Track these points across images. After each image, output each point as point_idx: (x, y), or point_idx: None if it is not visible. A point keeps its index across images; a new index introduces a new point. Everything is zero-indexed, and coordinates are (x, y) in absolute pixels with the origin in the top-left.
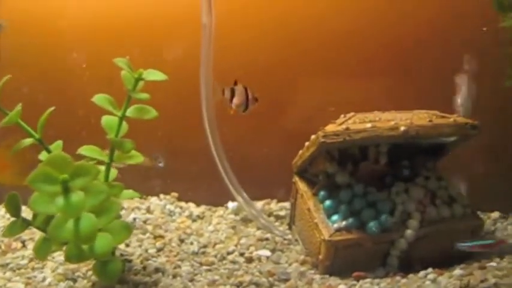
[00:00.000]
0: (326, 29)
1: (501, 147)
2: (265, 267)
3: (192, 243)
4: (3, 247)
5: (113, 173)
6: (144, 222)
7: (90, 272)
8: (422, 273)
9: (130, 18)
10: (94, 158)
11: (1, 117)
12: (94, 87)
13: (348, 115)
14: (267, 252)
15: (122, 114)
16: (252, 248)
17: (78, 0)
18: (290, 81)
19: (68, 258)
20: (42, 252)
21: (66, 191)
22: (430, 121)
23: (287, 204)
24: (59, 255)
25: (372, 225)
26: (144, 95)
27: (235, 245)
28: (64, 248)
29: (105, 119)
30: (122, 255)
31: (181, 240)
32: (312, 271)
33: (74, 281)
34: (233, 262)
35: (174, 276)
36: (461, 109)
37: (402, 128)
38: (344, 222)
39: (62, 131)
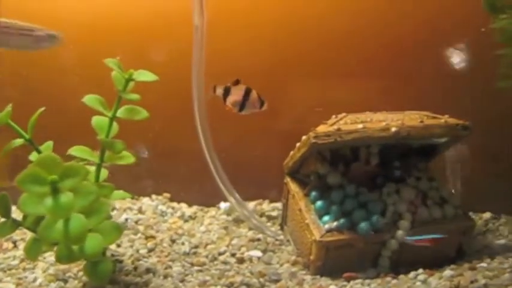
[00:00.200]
0: (320, 30)
1: (494, 148)
2: (256, 267)
3: (183, 244)
4: None
5: (104, 173)
6: (136, 222)
7: (81, 273)
8: (412, 274)
9: (123, 19)
10: (85, 158)
11: None
12: (86, 87)
13: (340, 116)
14: (259, 253)
15: (112, 115)
16: (243, 249)
17: (71, 0)
18: (282, 81)
19: (59, 259)
20: (32, 252)
21: (55, 191)
22: (422, 122)
23: (279, 205)
24: (50, 256)
25: (363, 226)
26: (135, 96)
27: (227, 246)
28: (55, 248)
29: (96, 120)
30: (113, 255)
31: (173, 241)
32: (303, 272)
33: (65, 281)
34: (224, 263)
35: (165, 277)
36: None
37: (393, 129)
38: (335, 223)
39: (54, 131)
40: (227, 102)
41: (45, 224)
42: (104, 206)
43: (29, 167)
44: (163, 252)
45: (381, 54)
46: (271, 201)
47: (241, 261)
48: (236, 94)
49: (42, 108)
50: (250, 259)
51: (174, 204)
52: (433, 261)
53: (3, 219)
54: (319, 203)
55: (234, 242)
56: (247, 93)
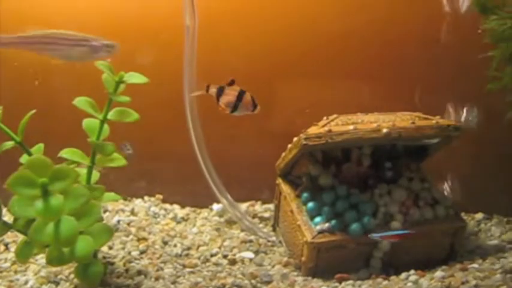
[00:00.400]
0: (313, 31)
1: (485, 148)
2: (248, 269)
3: (175, 246)
4: None
5: (95, 175)
6: (128, 224)
7: (72, 275)
8: (404, 274)
9: (115, 21)
10: (76, 161)
11: None
12: (79, 89)
13: (331, 117)
14: (250, 254)
15: (103, 117)
16: (235, 250)
17: (63, 1)
18: (274, 82)
19: (49, 261)
20: (23, 255)
21: (46, 194)
22: (413, 123)
23: (272, 206)
24: (42, 258)
25: (355, 227)
26: (125, 98)
27: (219, 247)
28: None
29: (87, 122)
30: (104, 257)
31: (165, 243)
32: (295, 273)
33: (57, 283)
34: (216, 264)
35: (157, 279)
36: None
37: (384, 130)
38: (327, 224)
39: (47, 133)
40: (220, 102)
41: (35, 227)
42: (95, 208)
43: (19, 170)
44: (155, 254)
45: (375, 55)
46: (264, 203)
47: (233, 262)
48: (230, 95)
49: (33, 111)
50: (242, 260)
51: (167, 205)
52: (425, 262)
53: None
54: (310, 204)
55: (226, 243)
56: (241, 94)
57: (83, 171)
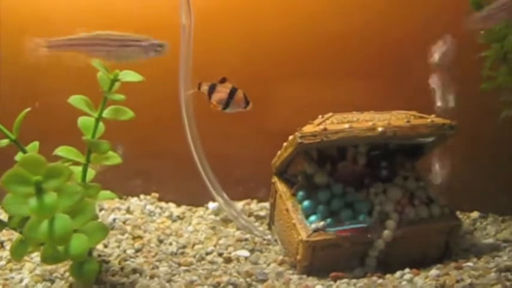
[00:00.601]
0: (311, 31)
1: (481, 147)
2: (243, 267)
3: (171, 244)
4: None
5: (90, 173)
6: (124, 222)
7: (67, 273)
8: (399, 273)
9: (109, 19)
10: (71, 159)
11: None
12: (76, 87)
13: (326, 116)
14: (246, 253)
15: (98, 115)
16: (230, 249)
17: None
18: (271, 80)
19: (44, 259)
20: (18, 253)
21: (40, 192)
22: (408, 122)
23: (267, 205)
24: (38, 256)
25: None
26: (120, 96)
27: (214, 246)
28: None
29: (82, 120)
30: (99, 255)
31: (160, 241)
32: (290, 271)
33: (52, 281)
34: (212, 262)
35: (152, 277)
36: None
37: (379, 129)
38: (322, 223)
39: (44, 131)
40: (212, 100)
41: (30, 225)
42: (89, 206)
43: (14, 168)
44: (150, 252)
45: (374, 55)
46: (260, 201)
47: (228, 261)
48: (221, 92)
49: (28, 109)
50: (238, 259)
51: (163, 204)
52: (420, 261)
53: None
54: (306, 202)
55: (222, 241)
56: (233, 92)
57: (79, 169)
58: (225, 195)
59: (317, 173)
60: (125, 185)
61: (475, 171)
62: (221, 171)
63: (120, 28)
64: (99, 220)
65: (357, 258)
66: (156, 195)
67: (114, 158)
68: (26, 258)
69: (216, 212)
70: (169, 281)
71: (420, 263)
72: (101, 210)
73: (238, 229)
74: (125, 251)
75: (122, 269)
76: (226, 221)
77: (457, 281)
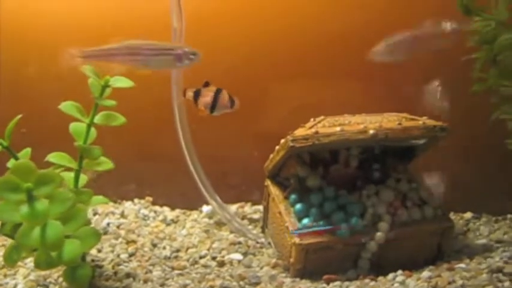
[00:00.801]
0: (303, 32)
1: (473, 148)
2: (236, 270)
3: (164, 248)
4: None
5: (83, 179)
6: (118, 227)
7: (61, 278)
8: (391, 275)
9: (101, 24)
10: (63, 165)
11: None
12: (69, 92)
13: (318, 119)
14: (239, 256)
15: (89, 121)
16: (224, 252)
17: (50, 4)
18: (264, 83)
19: (37, 265)
20: (11, 259)
21: (31, 199)
22: (400, 124)
23: (261, 208)
24: (32, 262)
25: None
26: (111, 102)
27: (208, 249)
28: None
29: (73, 126)
30: (93, 260)
31: (154, 245)
32: (284, 274)
33: (46, 287)
34: (205, 266)
35: (145, 281)
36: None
37: (371, 132)
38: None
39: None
40: (198, 105)
41: (22, 231)
42: (81, 212)
43: (5, 175)
44: (144, 256)
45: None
46: (253, 204)
47: (221, 264)
48: (206, 96)
49: (19, 116)
50: (231, 262)
51: (157, 207)
52: (413, 263)
53: None
54: (298, 205)
55: (215, 245)
56: (217, 94)
57: (71, 175)
58: (218, 198)
59: (309, 176)
60: (119, 189)
61: (468, 171)
62: (215, 175)
63: (116, 32)
64: (92, 225)
65: (350, 260)
66: (150, 199)
67: (106, 164)
68: (20, 263)
69: (210, 216)
70: (162, 285)
71: (413, 265)
72: (95, 214)
73: (231, 232)
74: (118, 256)
75: (115, 273)
76: (219, 225)
77: (449, 283)
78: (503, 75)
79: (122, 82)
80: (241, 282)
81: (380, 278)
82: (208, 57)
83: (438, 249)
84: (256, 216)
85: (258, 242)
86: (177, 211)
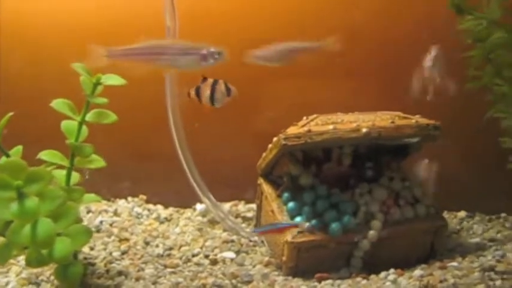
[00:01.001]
0: (297, 31)
1: (468, 147)
2: (229, 269)
3: (157, 246)
4: None
5: (75, 177)
6: (111, 225)
7: (53, 276)
8: (383, 274)
9: (96, 24)
10: (55, 162)
11: None
12: (63, 90)
13: (311, 117)
14: (232, 254)
15: (81, 119)
16: (217, 250)
17: (46, 4)
18: (258, 83)
19: (28, 263)
20: (2, 257)
21: (21, 196)
22: (393, 122)
23: (255, 206)
24: (24, 260)
25: (335, 226)
26: (102, 100)
27: (201, 247)
28: None
29: (65, 124)
30: (85, 258)
31: (147, 243)
32: (276, 273)
33: (38, 285)
34: (198, 264)
35: (137, 279)
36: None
37: (364, 130)
38: (307, 224)
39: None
40: (203, 102)
41: (12, 229)
42: (72, 209)
43: None
44: (136, 254)
45: (358, 55)
46: (247, 202)
47: (214, 262)
48: (205, 90)
49: (11, 113)
50: (224, 260)
51: (150, 206)
52: (406, 261)
53: None
54: (291, 204)
55: (208, 243)
56: (214, 85)
57: (63, 172)
58: (211, 196)
59: (302, 174)
60: (113, 187)
61: (462, 170)
62: (209, 173)
63: (116, 29)
64: (86, 223)
65: (343, 259)
66: (144, 197)
67: (98, 162)
68: (12, 261)
69: (204, 214)
70: (154, 283)
71: (406, 263)
72: (88, 212)
73: (225, 230)
74: (111, 254)
75: (107, 271)
76: (213, 223)
77: (441, 281)
78: (497, 74)
79: (113, 80)
80: (234, 281)
81: (372, 276)
82: None
83: (431, 248)
84: (249, 214)
85: (251, 241)
86: (171, 209)
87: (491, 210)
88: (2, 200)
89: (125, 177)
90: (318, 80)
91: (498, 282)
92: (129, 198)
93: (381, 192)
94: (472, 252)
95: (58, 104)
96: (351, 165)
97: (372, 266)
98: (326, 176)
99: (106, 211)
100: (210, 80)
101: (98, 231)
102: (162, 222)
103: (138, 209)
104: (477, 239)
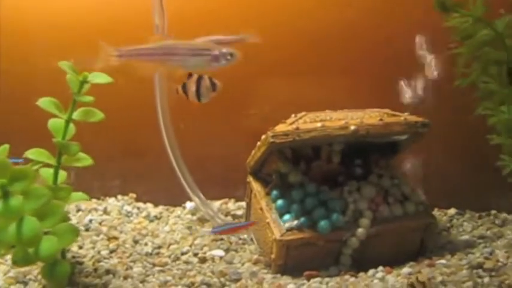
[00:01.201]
0: (289, 29)
1: (457, 144)
2: (217, 267)
3: (146, 244)
4: None
5: (62, 175)
6: (100, 223)
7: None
8: (371, 271)
9: (85, 23)
10: (42, 161)
11: None
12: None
13: (299, 115)
14: (221, 252)
15: (68, 117)
16: (206, 248)
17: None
18: (247, 81)
19: (15, 262)
20: None
21: (6, 195)
22: (381, 120)
23: (245, 204)
24: None
25: (323, 224)
26: (88, 98)
27: (190, 246)
28: None
29: (52, 122)
30: (73, 257)
31: (136, 241)
32: (265, 270)
33: (25, 284)
34: (187, 262)
35: (125, 278)
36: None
37: (352, 127)
38: (296, 222)
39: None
40: (189, 98)
41: None
42: (58, 208)
43: None
44: (125, 253)
45: (350, 53)
46: (237, 200)
47: (203, 260)
48: (191, 86)
49: None
50: (213, 258)
51: (140, 204)
52: (396, 259)
53: None
54: (279, 201)
55: (197, 241)
56: (199, 81)
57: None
58: (201, 195)
59: (291, 172)
60: (103, 185)
61: (452, 168)
62: (199, 171)
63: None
64: (75, 221)
65: (332, 256)
66: (134, 195)
67: (85, 160)
68: (0, 260)
69: (193, 212)
70: (142, 281)
71: (395, 261)
72: (78, 211)
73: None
74: (99, 252)
75: (95, 270)
76: (202, 221)
77: (429, 279)
78: (484, 71)
79: (100, 78)
80: (222, 279)
81: (360, 274)
82: None
83: (421, 245)
84: (239, 212)
85: (240, 238)
86: (161, 207)
87: (482, 208)
88: None
89: (115, 175)
90: (307, 78)
91: (486, 280)
92: (119, 197)
93: (369, 189)
94: (461, 249)
95: (44, 102)
96: (340, 162)
97: (361, 264)
98: (315, 173)
99: (96, 209)
100: (195, 76)
101: (87, 229)
102: (151, 221)
103: (127, 208)
104: (467, 237)
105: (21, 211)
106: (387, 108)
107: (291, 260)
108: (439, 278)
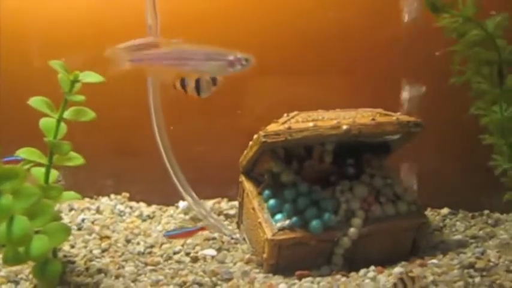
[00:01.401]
0: (285, 29)
1: (451, 144)
2: (209, 266)
3: (138, 244)
4: None
5: (53, 174)
6: (92, 223)
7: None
8: (363, 271)
9: (78, 22)
10: (33, 160)
11: None
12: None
13: (291, 114)
14: (213, 252)
15: (59, 117)
16: (198, 248)
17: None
18: (241, 81)
19: (5, 261)
20: None
21: None
22: (373, 119)
23: (237, 203)
24: None
25: (315, 224)
26: (80, 97)
27: (182, 245)
28: None
29: (43, 122)
30: (65, 256)
31: (128, 241)
32: (257, 270)
33: (17, 283)
34: (179, 262)
35: (117, 277)
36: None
37: (344, 127)
38: (287, 221)
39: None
40: (188, 92)
41: None
42: (49, 207)
43: None
44: (117, 252)
45: (349, 53)
46: (230, 200)
47: (195, 260)
48: (190, 81)
49: None
50: (205, 258)
51: (133, 203)
52: (388, 258)
53: None
54: (271, 201)
55: (189, 241)
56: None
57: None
58: (194, 194)
59: (283, 171)
60: (96, 185)
61: (445, 167)
62: (192, 170)
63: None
64: (68, 221)
65: (324, 256)
66: (127, 194)
67: (77, 159)
68: None
69: (186, 211)
70: (134, 280)
71: (387, 261)
72: (70, 210)
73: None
74: (91, 251)
75: (87, 269)
76: (195, 220)
77: (418, 276)
78: (476, 71)
79: (91, 77)
80: (214, 278)
81: (352, 273)
82: None
83: (413, 245)
84: (232, 212)
85: (232, 238)
86: (154, 207)
87: (475, 207)
88: None
89: (108, 175)
90: (301, 78)
91: (477, 279)
92: (112, 196)
93: (361, 189)
94: (453, 249)
95: (36, 101)
96: (332, 162)
97: (353, 264)
98: (307, 173)
99: (88, 209)
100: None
101: (80, 229)
102: (144, 220)
103: (120, 207)
104: (459, 236)
105: (11, 210)
106: (387, 108)
107: (283, 259)
108: (431, 278)
